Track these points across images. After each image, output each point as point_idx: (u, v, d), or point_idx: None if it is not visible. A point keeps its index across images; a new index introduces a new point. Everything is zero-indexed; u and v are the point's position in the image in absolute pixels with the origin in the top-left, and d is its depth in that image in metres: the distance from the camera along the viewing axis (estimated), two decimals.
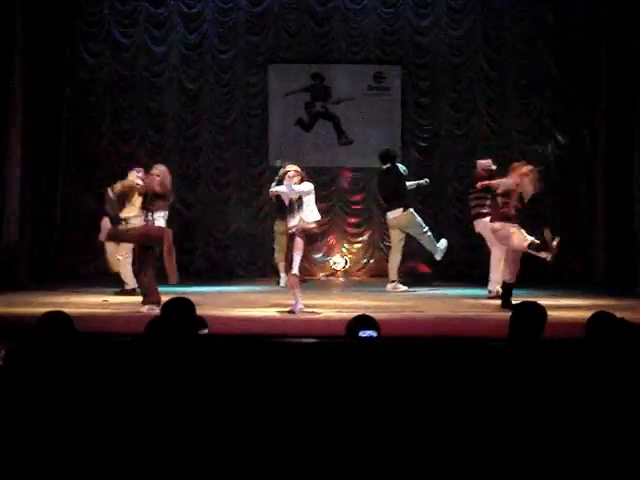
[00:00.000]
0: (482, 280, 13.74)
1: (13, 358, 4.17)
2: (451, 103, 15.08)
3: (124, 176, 14.82)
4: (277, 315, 9.51)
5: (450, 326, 8.66)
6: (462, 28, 15.00)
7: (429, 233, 12.52)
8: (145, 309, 9.59)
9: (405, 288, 12.28)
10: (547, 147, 14.78)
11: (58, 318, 4.26)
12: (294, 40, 15.12)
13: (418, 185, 13.08)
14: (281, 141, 15.08)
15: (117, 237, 10.85)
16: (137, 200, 10.64)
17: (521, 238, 10.13)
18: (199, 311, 4.63)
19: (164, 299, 4.34)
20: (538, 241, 10.12)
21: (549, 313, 4.73)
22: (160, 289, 11.91)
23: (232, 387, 3.99)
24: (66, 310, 4.52)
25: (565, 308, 9.65)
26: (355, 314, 5.22)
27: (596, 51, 14.11)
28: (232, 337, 5.29)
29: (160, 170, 9.90)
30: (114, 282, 13.28)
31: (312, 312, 9.46)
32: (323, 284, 13.98)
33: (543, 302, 4.84)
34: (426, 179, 13.17)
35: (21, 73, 13.50)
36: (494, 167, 11.96)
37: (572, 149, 14.65)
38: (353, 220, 15.25)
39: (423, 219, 15.03)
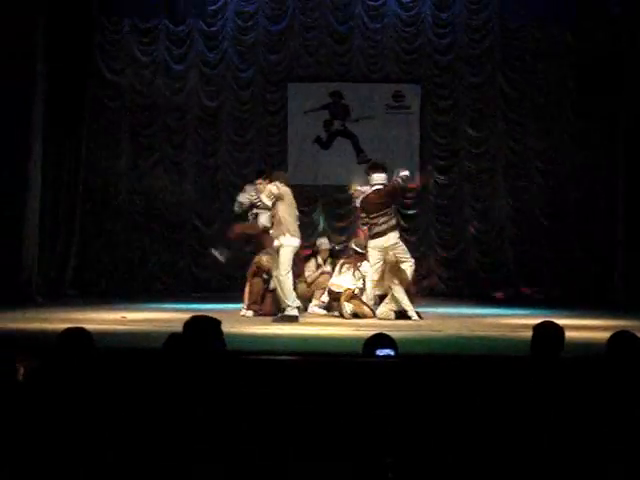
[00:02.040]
0: (502, 300, 13.73)
1: (34, 375, 4.20)
2: (470, 122, 15.10)
3: (143, 192, 14.95)
4: (294, 332, 9.52)
5: (468, 346, 8.64)
6: (481, 47, 15.03)
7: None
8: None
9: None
10: (566, 165, 14.76)
11: (79, 335, 4.28)
12: (313, 58, 15.18)
13: None
14: (299, 159, 15.15)
15: None
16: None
17: None
18: None
19: (184, 316, 4.36)
20: None
21: (567, 334, 4.73)
22: (175, 306, 12.00)
23: (249, 404, 4.01)
24: (84, 327, 4.55)
25: (583, 328, 9.62)
26: (372, 332, 5.23)
27: (616, 69, 14.10)
28: (248, 355, 5.31)
29: None
30: (131, 298, 13.34)
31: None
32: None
33: (561, 322, 4.84)
34: None
35: (42, 90, 13.64)
36: None
37: (592, 167, 14.62)
38: None
39: (441, 238, 15.11)
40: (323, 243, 12.31)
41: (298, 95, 15.20)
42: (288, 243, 10.65)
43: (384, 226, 11.19)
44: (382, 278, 10.98)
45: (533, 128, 14.90)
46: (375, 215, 11.24)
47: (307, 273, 12.12)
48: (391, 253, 10.99)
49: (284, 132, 15.21)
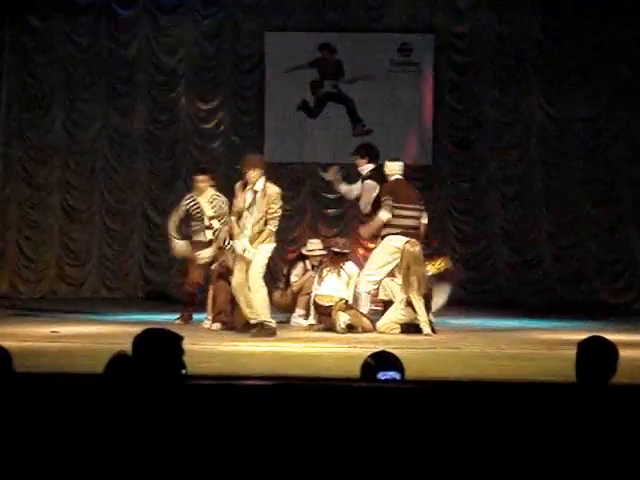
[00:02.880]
0: (538, 309, 13.74)
1: None
2: (496, 83, 15.10)
3: (82, 172, 14.93)
4: (273, 350, 9.52)
5: (494, 367, 8.66)
6: None
7: None
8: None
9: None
10: (619, 138, 14.76)
11: None
12: (297, 1, 15.18)
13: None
14: (280, 130, 15.15)
15: None
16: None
17: None
18: None
19: (135, 329, 4.34)
20: None
21: (621, 352, 4.73)
22: (122, 317, 11.99)
23: (216, 442, 4.00)
24: (4, 343, 4.53)
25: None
26: (373, 350, 5.22)
27: None
28: (217, 379, 5.30)
29: None
30: (65, 308, 13.30)
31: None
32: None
33: (613, 338, 4.83)
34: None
35: None
36: None
37: None
38: None
39: (460, 230, 15.11)
40: (315, 248, 12.27)
41: (278, 48, 15.17)
42: (268, 248, 10.78)
43: (409, 222, 11.40)
44: (406, 281, 11.05)
45: (577, 90, 14.88)
46: (403, 206, 11.39)
47: (293, 279, 12.12)
48: (413, 249, 11.10)
49: (260, 96, 15.20)
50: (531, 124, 15.04)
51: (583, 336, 4.81)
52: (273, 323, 10.74)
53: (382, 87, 15.14)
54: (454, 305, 13.06)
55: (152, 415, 3.94)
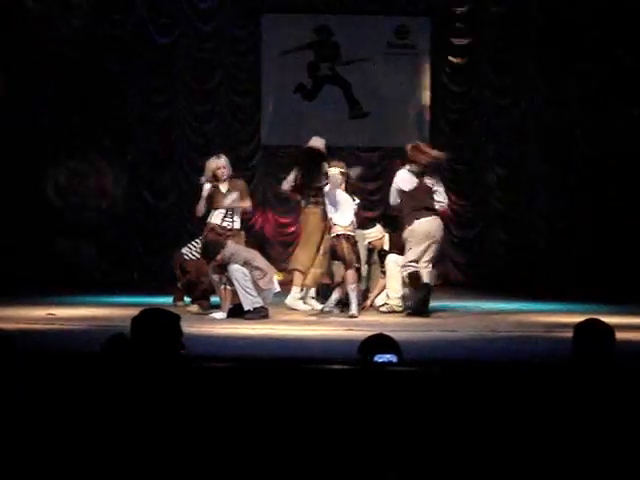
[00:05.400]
0: (534, 291, 13.75)
1: None
2: (494, 65, 15.08)
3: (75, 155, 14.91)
4: (271, 333, 9.55)
5: (490, 350, 8.69)
6: None
7: None
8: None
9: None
10: (620, 118, 14.72)
11: None
12: None
13: None
14: (276, 112, 15.14)
15: None
16: None
17: None
18: None
19: (131, 312, 4.36)
20: None
21: (617, 335, 4.75)
22: (118, 300, 11.99)
23: (213, 423, 4.02)
24: (2, 326, 4.56)
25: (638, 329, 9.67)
26: (370, 333, 5.25)
27: None
28: (211, 361, 5.32)
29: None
30: (61, 290, 13.31)
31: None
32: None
33: (610, 321, 4.86)
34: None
35: None
36: None
37: None
38: (369, 214, 15.18)
39: (456, 213, 15.11)
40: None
41: (275, 30, 15.16)
42: None
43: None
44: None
45: (576, 72, 14.82)
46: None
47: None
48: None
49: (257, 78, 15.18)
50: (528, 106, 15.03)
51: (580, 319, 4.84)
52: (261, 302, 10.78)
53: (379, 69, 15.14)
54: (451, 287, 13.11)
55: (150, 395, 3.96)
